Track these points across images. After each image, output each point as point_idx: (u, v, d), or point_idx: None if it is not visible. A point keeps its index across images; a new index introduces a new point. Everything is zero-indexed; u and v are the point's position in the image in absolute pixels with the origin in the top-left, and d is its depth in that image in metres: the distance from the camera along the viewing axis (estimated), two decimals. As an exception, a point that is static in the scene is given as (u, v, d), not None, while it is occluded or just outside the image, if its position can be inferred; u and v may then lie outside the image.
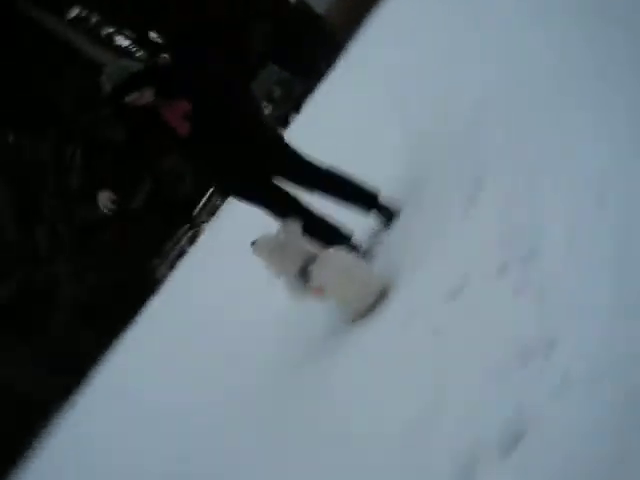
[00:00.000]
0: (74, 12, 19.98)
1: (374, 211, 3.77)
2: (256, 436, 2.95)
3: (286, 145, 3.67)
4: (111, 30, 20.72)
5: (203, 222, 17.60)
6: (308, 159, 3.69)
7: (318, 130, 8.81)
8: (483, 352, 1.78)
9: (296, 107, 17.44)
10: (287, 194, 3.69)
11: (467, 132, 3.46)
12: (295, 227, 2.99)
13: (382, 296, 2.79)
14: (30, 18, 18.18)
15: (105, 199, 3.49)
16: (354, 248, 3.58)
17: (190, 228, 17.96)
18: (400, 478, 1.71)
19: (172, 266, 16.58)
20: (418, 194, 3.57)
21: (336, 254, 2.88)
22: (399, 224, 3.56)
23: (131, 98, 3.34)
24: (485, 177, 2.74)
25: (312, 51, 19.25)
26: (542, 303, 1.71)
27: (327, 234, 3.63)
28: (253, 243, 3.03)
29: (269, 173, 3.65)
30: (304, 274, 2.83)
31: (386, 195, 3.75)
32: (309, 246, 3.00)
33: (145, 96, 3.37)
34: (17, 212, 17.44)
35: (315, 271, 2.80)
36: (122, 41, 20.97)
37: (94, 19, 20.44)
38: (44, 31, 18.42)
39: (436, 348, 2.05)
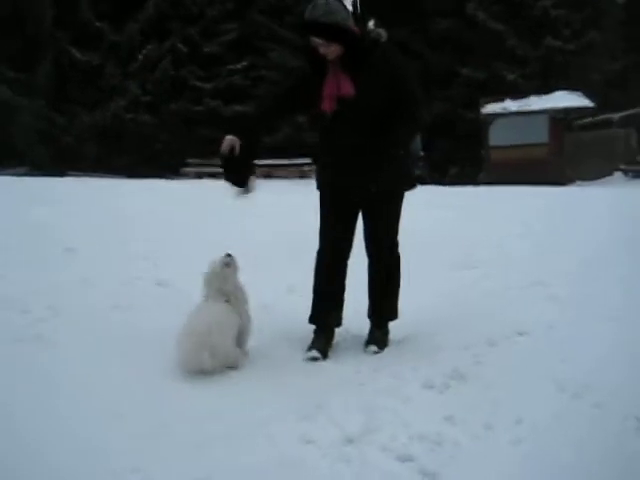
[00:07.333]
0: None
1: (376, 323, 3.46)
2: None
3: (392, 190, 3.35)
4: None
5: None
6: (392, 223, 3.38)
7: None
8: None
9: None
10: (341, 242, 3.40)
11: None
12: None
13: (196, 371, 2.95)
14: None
15: (228, 145, 3.20)
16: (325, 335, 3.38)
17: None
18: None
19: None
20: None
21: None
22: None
23: (317, 43, 3.10)
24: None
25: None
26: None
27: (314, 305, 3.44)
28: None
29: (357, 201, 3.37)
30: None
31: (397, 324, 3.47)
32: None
33: (332, 50, 3.10)
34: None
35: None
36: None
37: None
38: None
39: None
